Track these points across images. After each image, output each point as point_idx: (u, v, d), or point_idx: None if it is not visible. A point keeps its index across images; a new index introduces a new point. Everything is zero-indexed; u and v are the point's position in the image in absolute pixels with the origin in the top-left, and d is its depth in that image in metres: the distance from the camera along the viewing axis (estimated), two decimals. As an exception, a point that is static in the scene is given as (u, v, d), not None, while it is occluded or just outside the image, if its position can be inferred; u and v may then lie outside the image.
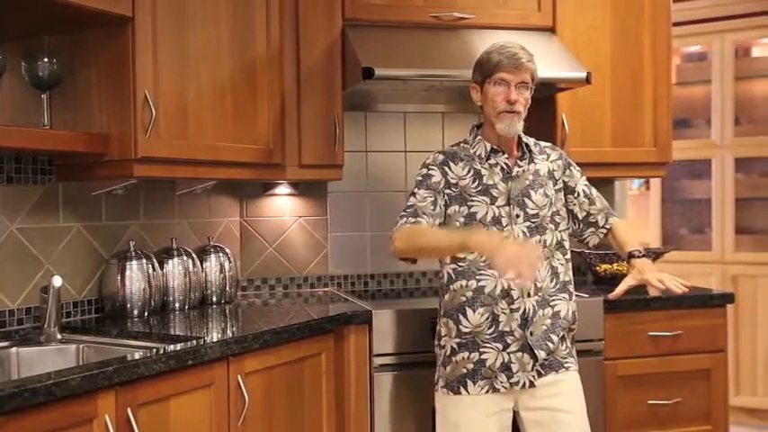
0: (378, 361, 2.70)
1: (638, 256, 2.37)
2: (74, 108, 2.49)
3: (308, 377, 2.59)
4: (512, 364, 2.29)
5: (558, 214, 2.40)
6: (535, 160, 2.41)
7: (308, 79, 3.00)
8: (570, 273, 2.41)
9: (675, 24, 3.58)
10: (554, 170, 2.44)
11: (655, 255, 3.43)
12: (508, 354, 2.29)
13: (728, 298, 3.08)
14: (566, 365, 2.34)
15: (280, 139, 2.93)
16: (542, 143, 2.50)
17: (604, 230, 2.49)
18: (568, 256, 2.41)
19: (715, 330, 3.04)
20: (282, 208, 3.40)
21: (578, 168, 2.52)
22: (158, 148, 2.43)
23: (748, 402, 4.72)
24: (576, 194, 2.47)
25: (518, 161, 2.37)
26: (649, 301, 2.98)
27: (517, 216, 2.32)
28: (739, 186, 4.87)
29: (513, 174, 2.35)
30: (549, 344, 2.31)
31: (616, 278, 3.04)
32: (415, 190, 2.37)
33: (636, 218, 5.16)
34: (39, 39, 2.50)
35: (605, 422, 2.88)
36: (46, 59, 2.40)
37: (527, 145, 2.41)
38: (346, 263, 3.46)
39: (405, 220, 2.32)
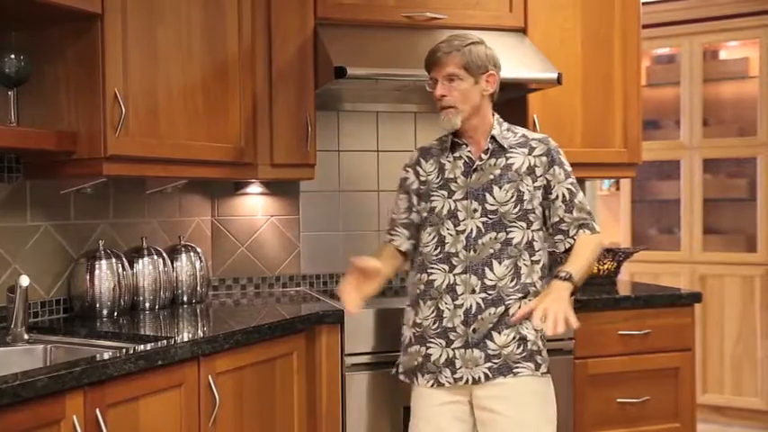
0: (349, 360, 2.70)
1: (560, 278, 2.23)
2: (42, 105, 2.46)
3: (279, 377, 2.58)
4: (456, 360, 2.30)
5: (533, 213, 2.32)
6: (508, 154, 2.33)
7: (280, 78, 2.99)
8: (536, 276, 2.32)
9: (645, 27, 3.62)
10: (535, 165, 2.33)
11: (624, 255, 3.47)
12: (453, 350, 2.30)
13: (696, 297, 3.12)
14: (515, 370, 2.27)
15: (251, 138, 2.92)
16: (533, 135, 2.40)
17: (572, 240, 2.36)
18: (537, 257, 2.33)
19: (683, 329, 3.08)
20: (254, 207, 3.39)
21: (567, 169, 2.37)
22: (128, 147, 2.41)
23: (715, 400, 4.79)
24: (554, 197, 2.35)
25: (482, 154, 2.33)
26: (619, 300, 3.02)
27: (474, 210, 2.31)
28: (707, 187, 4.94)
29: (474, 167, 2.33)
30: (489, 342, 2.27)
31: (592, 277, 3.07)
32: (397, 193, 2.52)
33: (606, 218, 5.21)
34: (6, 34, 2.46)
35: (575, 420, 2.91)
36: (13, 56, 2.36)
37: (494, 138, 2.34)
38: (318, 262, 3.45)
39: (387, 232, 2.54)
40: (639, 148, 3.40)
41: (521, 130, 2.41)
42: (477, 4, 3.21)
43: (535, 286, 2.33)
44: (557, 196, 2.35)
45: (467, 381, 2.29)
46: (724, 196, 4.98)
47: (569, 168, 2.38)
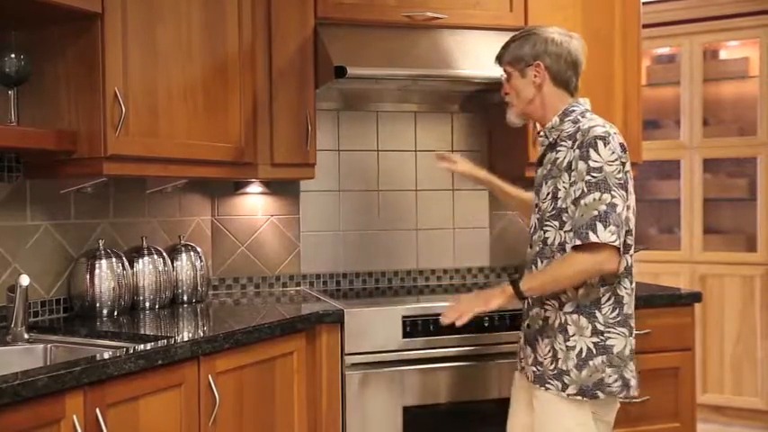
0: (350, 360, 2.70)
1: (509, 282, 2.18)
2: (42, 105, 2.46)
3: (279, 377, 2.58)
4: (521, 350, 2.35)
5: (566, 212, 2.13)
6: (557, 148, 2.20)
7: (281, 77, 2.99)
8: None
9: (645, 26, 3.62)
10: (572, 160, 2.13)
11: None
12: (521, 338, 2.35)
13: (696, 297, 3.12)
14: (546, 384, 2.19)
15: (252, 138, 2.92)
16: (588, 124, 2.14)
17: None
18: None
19: (683, 329, 3.08)
20: (254, 206, 3.38)
21: (592, 164, 2.07)
22: (128, 146, 2.41)
23: (715, 400, 4.79)
24: (576, 195, 2.11)
25: (540, 148, 2.32)
26: (619, 300, 3.01)
27: (535, 206, 2.29)
28: (708, 187, 4.93)
29: (540, 161, 2.32)
30: (537, 345, 2.23)
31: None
32: None
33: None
34: (6, 34, 2.46)
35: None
36: (13, 55, 2.36)
37: (545, 132, 2.24)
38: (318, 262, 3.45)
39: None
40: (640, 147, 3.40)
41: (584, 120, 2.17)
42: (477, 3, 3.21)
43: (567, 294, 2.16)
44: (578, 195, 2.10)
45: (521, 369, 2.34)
46: (724, 196, 4.97)
47: (596, 163, 2.06)
